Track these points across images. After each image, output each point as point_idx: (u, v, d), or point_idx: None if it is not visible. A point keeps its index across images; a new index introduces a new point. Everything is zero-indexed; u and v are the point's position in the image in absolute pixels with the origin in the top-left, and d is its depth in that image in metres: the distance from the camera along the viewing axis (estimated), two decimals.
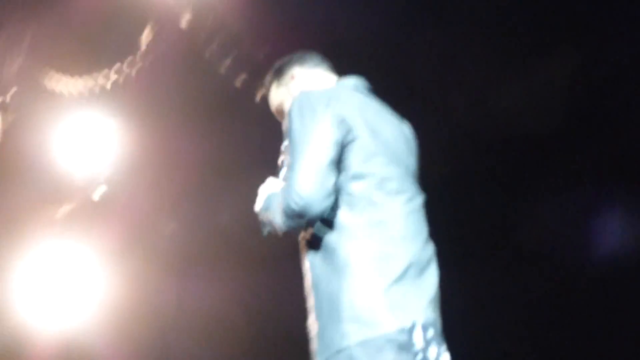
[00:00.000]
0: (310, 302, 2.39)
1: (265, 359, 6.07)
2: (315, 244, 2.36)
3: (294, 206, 2.27)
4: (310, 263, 2.39)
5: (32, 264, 6.02)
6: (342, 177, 2.35)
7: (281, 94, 2.79)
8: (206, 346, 6.05)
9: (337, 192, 2.34)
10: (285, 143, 2.51)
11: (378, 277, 2.24)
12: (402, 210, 2.38)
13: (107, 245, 6.03)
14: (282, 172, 2.57)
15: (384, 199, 2.36)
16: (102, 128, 5.78)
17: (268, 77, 2.85)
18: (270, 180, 2.59)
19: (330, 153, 2.32)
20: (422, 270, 2.34)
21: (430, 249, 2.44)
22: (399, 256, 2.29)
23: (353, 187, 2.35)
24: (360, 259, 2.26)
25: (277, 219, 2.37)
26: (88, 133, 5.78)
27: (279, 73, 2.81)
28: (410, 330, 2.20)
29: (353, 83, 2.67)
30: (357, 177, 2.35)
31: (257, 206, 2.57)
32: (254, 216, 2.60)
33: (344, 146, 2.36)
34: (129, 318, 6.01)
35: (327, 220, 2.32)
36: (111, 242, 6.03)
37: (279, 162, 2.62)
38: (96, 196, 5.95)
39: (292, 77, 2.77)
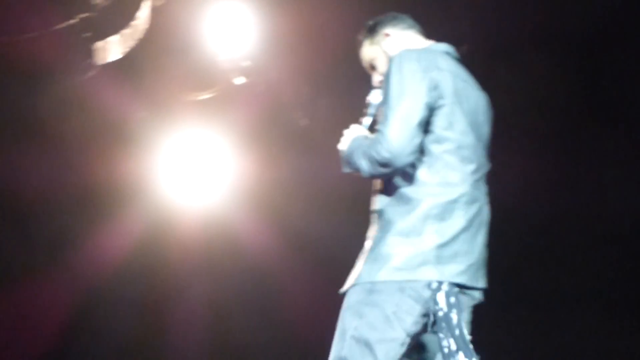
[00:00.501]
0: (372, 231, 2.69)
1: None
2: (391, 190, 2.65)
3: (383, 155, 2.53)
4: (382, 205, 2.67)
5: (176, 143, 6.33)
6: (426, 138, 2.61)
7: (374, 51, 2.97)
8: (331, 219, 6.28)
9: (420, 150, 2.60)
10: (372, 94, 2.83)
11: (433, 234, 2.55)
12: (470, 177, 2.66)
13: (245, 129, 6.28)
14: (366, 121, 2.83)
15: (458, 164, 2.63)
16: (249, 13, 5.90)
17: (361, 34, 3.06)
18: (354, 126, 2.83)
19: (421, 114, 2.56)
20: (473, 236, 2.64)
21: (484, 215, 2.74)
22: (457, 219, 2.59)
23: (434, 149, 2.62)
24: (428, 212, 2.57)
25: (362, 164, 2.61)
26: (235, 17, 5.91)
27: (372, 31, 2.99)
28: (436, 289, 2.51)
29: (446, 49, 2.85)
30: (438, 140, 2.62)
31: (342, 146, 2.79)
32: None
33: (433, 110, 2.61)
34: (261, 196, 6.32)
35: (407, 173, 2.61)
36: (249, 126, 6.28)
37: (364, 111, 2.86)
38: (238, 81, 6.13)
39: (386, 36, 2.95)
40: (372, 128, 2.82)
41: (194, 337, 6.26)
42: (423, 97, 2.58)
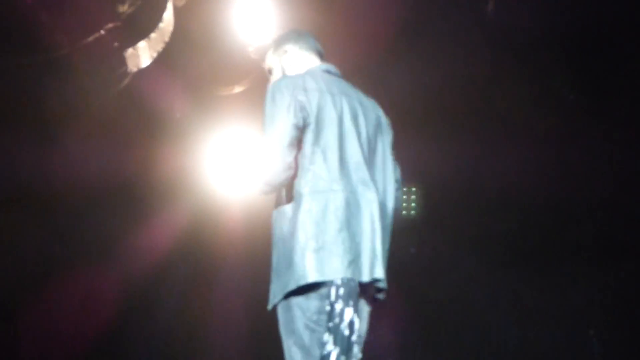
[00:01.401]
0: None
1: None
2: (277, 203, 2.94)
3: (262, 178, 2.86)
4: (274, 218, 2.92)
5: (217, 136, 6.47)
6: (299, 153, 2.87)
7: (273, 61, 3.24)
8: None
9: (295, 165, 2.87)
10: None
11: (312, 241, 2.76)
12: (342, 182, 2.84)
13: None
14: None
15: (325, 173, 2.84)
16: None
17: (269, 42, 3.35)
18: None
19: (290, 135, 2.83)
20: (352, 235, 2.79)
21: (371, 213, 2.87)
22: (330, 224, 2.78)
23: (304, 163, 2.87)
24: (306, 222, 2.78)
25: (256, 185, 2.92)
26: (258, 6, 5.93)
27: (276, 44, 3.26)
28: (329, 285, 2.75)
29: (325, 68, 3.13)
30: (307, 154, 2.87)
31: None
32: None
33: (304, 128, 2.87)
34: None
35: (290, 187, 2.88)
36: None
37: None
38: None
39: (285, 52, 3.20)
40: None
41: (237, 322, 6.50)
42: (291, 120, 2.85)
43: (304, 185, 2.83)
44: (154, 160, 6.51)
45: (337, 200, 2.81)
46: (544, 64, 6.28)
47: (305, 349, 2.77)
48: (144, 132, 6.55)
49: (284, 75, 3.10)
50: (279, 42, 3.27)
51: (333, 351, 2.69)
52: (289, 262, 2.77)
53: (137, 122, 6.52)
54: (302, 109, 2.86)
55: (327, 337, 2.71)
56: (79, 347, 6.28)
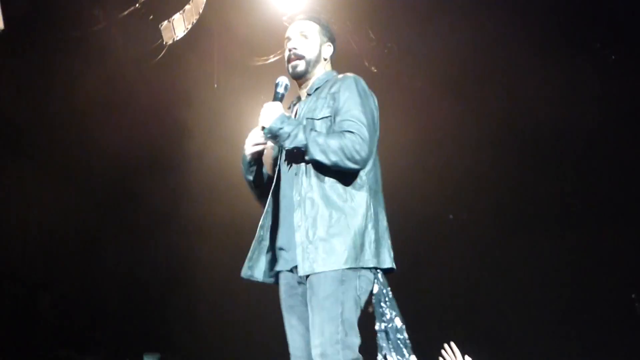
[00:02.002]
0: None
1: None
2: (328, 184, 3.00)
3: (362, 155, 2.91)
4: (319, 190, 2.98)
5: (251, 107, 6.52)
6: None
7: (316, 37, 3.21)
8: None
9: None
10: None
11: (373, 231, 2.97)
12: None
13: None
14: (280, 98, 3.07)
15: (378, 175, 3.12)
16: None
17: (317, 17, 3.28)
18: (272, 103, 3.03)
19: (375, 136, 3.05)
20: (385, 230, 3.03)
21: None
22: (383, 221, 3.04)
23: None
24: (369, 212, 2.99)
25: (333, 156, 2.91)
26: None
27: (330, 30, 3.27)
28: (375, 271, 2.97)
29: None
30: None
31: (267, 122, 2.98)
32: None
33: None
34: None
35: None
36: None
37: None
38: None
39: (331, 46, 3.24)
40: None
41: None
42: (376, 125, 3.12)
43: (366, 195, 2.98)
44: (193, 129, 6.62)
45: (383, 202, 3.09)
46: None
47: (350, 323, 2.86)
48: (182, 102, 6.66)
49: (354, 76, 3.15)
50: (329, 30, 3.27)
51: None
52: (353, 240, 2.90)
53: (175, 93, 6.62)
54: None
55: (392, 311, 2.96)
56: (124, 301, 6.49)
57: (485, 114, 6.50)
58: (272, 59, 6.37)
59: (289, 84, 3.11)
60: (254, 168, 3.17)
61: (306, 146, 2.91)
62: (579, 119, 6.24)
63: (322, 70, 3.19)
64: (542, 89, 6.39)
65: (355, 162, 2.90)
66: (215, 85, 6.49)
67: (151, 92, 6.50)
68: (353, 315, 2.87)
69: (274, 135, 2.97)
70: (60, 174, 6.23)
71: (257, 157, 3.13)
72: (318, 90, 3.12)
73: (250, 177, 3.18)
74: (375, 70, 6.37)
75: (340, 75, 3.13)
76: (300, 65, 3.14)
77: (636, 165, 6.37)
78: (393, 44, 6.36)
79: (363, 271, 2.91)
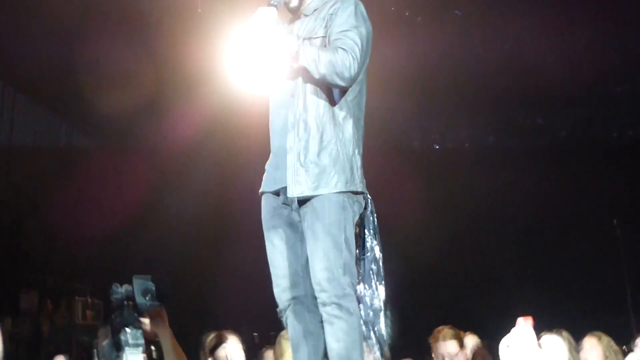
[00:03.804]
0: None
1: None
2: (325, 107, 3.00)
3: (351, 73, 2.90)
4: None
5: (239, 30, 6.42)
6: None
7: None
8: None
9: None
10: None
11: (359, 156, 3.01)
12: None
13: None
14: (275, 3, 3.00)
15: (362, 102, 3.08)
16: None
17: None
18: (266, 8, 2.98)
19: (365, 60, 3.00)
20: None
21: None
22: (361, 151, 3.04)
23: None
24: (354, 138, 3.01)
25: (323, 67, 2.89)
26: None
27: None
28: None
29: None
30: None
31: (259, 22, 2.94)
32: None
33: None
34: None
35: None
36: None
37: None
38: None
39: None
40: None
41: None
42: (366, 53, 3.03)
43: (351, 121, 3.00)
44: (177, 54, 6.55)
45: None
46: None
47: (350, 246, 2.94)
48: (166, 26, 6.56)
49: (359, 2, 3.10)
50: None
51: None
52: (343, 165, 2.93)
53: (158, 16, 6.53)
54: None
55: (374, 240, 3.03)
56: (103, 235, 6.53)
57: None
58: None
59: (291, 3, 3.09)
60: None
61: (297, 52, 2.90)
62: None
63: None
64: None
65: (343, 78, 2.91)
66: (199, 10, 6.38)
67: (133, 15, 6.42)
68: (352, 239, 2.95)
69: (264, 36, 2.95)
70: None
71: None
72: (316, 12, 3.09)
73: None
74: None
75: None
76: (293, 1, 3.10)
77: None
78: None
79: (357, 196, 2.97)
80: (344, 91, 2.99)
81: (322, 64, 2.90)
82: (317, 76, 2.92)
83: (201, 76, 6.53)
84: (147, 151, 6.62)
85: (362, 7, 3.07)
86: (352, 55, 2.91)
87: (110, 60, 6.41)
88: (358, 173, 2.97)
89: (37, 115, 6.99)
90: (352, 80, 2.94)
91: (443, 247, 7.10)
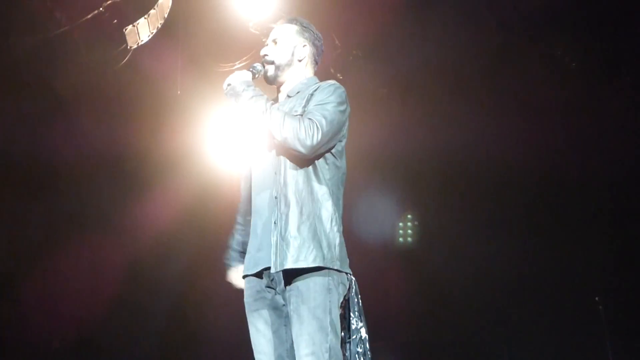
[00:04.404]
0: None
1: None
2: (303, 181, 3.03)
3: (312, 142, 2.94)
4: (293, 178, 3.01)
5: (218, 112, 6.51)
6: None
7: (291, 38, 3.28)
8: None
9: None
10: (268, 52, 3.26)
11: (339, 234, 3.02)
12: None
13: None
14: (254, 70, 3.17)
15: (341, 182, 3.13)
16: None
17: (296, 17, 3.36)
18: (242, 71, 3.16)
19: (330, 143, 3.04)
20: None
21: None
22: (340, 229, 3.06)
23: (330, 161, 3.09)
24: (336, 215, 3.04)
25: (285, 131, 2.95)
26: None
27: (305, 29, 3.31)
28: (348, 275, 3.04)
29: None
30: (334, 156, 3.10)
31: (234, 82, 3.07)
32: None
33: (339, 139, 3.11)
34: None
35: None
36: None
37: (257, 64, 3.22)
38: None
39: (307, 47, 3.28)
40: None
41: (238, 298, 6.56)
42: (342, 126, 3.13)
43: (330, 199, 3.02)
44: (156, 135, 6.58)
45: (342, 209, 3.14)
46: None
47: (335, 328, 2.92)
48: (146, 108, 6.62)
49: (337, 83, 3.19)
50: (308, 30, 3.32)
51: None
52: (319, 240, 2.92)
53: (138, 98, 6.58)
54: (345, 123, 3.14)
55: (359, 322, 3.01)
56: (80, 322, 6.38)
57: (450, 119, 6.58)
58: (237, 65, 6.35)
59: (267, 72, 3.22)
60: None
61: (263, 112, 2.94)
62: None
63: (300, 73, 3.27)
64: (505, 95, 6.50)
65: (304, 145, 2.95)
66: (179, 92, 6.45)
67: (114, 97, 6.47)
68: (337, 321, 2.93)
69: (235, 93, 3.03)
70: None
71: None
72: (299, 93, 3.18)
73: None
74: (341, 77, 6.39)
75: (324, 82, 3.20)
76: (270, 70, 3.23)
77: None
78: (358, 50, 6.40)
79: (341, 277, 2.96)
80: (321, 168, 3.01)
81: (285, 127, 2.94)
82: (279, 138, 2.96)
83: (181, 156, 6.56)
84: (126, 233, 6.54)
85: (342, 89, 3.14)
86: (317, 126, 2.96)
87: (90, 140, 6.40)
88: (336, 251, 2.96)
89: None
90: (314, 149, 2.97)
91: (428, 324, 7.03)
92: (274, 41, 3.28)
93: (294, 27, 3.30)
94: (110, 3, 5.67)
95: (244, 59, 6.34)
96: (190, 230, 6.73)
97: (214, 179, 6.63)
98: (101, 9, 5.64)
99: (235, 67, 6.41)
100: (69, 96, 6.30)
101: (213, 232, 6.66)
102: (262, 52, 3.29)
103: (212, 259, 6.70)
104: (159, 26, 5.93)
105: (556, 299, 6.68)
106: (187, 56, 6.39)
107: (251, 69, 3.18)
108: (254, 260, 3.05)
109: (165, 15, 5.88)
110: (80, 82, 6.20)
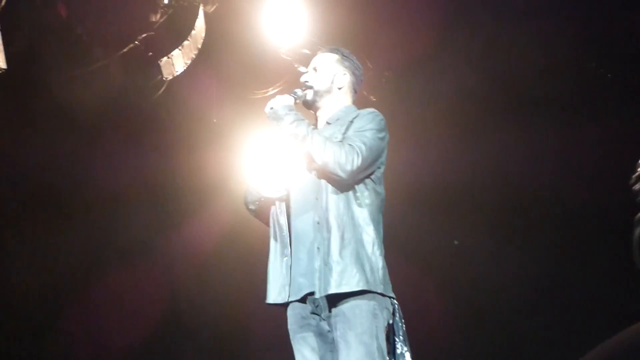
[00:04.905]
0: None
1: None
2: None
3: (351, 167, 2.99)
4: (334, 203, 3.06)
5: (254, 139, 6.54)
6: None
7: (332, 66, 3.37)
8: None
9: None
10: (308, 78, 3.34)
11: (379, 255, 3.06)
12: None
13: None
14: (296, 96, 3.24)
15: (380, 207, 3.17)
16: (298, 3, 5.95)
17: (338, 47, 3.50)
18: (284, 96, 3.24)
19: (370, 169, 3.12)
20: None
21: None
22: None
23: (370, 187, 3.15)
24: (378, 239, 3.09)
25: (326, 157, 3.00)
26: (286, 9, 5.96)
27: (348, 59, 3.44)
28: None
29: None
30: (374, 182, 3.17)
31: (277, 106, 3.15)
32: None
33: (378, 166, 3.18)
34: None
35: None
36: None
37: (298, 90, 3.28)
38: (302, 70, 6.21)
39: (347, 75, 3.37)
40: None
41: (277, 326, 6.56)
42: (381, 154, 3.21)
43: (371, 224, 3.06)
44: (194, 163, 6.66)
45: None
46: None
47: (382, 354, 2.94)
48: (183, 137, 6.71)
49: (376, 111, 3.26)
50: (349, 59, 3.42)
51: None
52: (362, 264, 2.95)
53: (175, 127, 6.69)
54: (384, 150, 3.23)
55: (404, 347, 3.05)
56: (124, 349, 6.44)
57: (484, 141, 6.53)
58: (271, 92, 6.42)
59: (306, 96, 3.31)
60: (259, 204, 3.25)
61: (304, 137, 2.98)
62: None
63: (339, 101, 3.36)
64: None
65: (344, 170, 2.99)
66: (215, 120, 6.54)
67: (151, 126, 6.57)
68: (384, 346, 2.96)
69: (277, 117, 3.11)
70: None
71: (270, 202, 3.26)
72: (339, 120, 3.26)
73: (252, 207, 3.27)
74: (375, 99, 6.41)
75: (363, 110, 3.29)
76: (308, 94, 3.32)
77: None
78: (390, 72, 6.43)
79: (385, 301, 2.99)
80: (361, 193, 3.03)
81: (326, 152, 3.00)
82: (319, 162, 3.02)
83: (219, 185, 6.62)
84: (165, 261, 6.62)
85: (381, 117, 3.23)
86: (357, 151, 3.02)
87: (128, 169, 6.51)
88: (379, 274, 2.98)
89: None
90: (353, 174, 3.02)
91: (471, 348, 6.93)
92: (315, 69, 3.38)
93: (335, 56, 3.40)
94: (145, 36, 5.80)
95: (277, 84, 6.41)
96: (229, 256, 6.78)
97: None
98: (136, 42, 5.77)
99: (269, 93, 6.49)
100: (106, 127, 6.43)
101: (252, 258, 6.70)
102: (302, 79, 3.38)
103: (251, 284, 6.77)
104: (193, 56, 6.05)
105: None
106: (222, 84, 6.48)
107: (292, 94, 3.26)
108: (298, 285, 3.09)
109: (199, 46, 6.00)
110: (118, 113, 6.32)
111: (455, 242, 7.02)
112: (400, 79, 6.44)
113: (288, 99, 3.18)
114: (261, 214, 3.36)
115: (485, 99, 6.42)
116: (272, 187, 3.25)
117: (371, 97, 6.46)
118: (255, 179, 3.37)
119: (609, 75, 6.16)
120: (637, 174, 2.72)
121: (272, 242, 3.22)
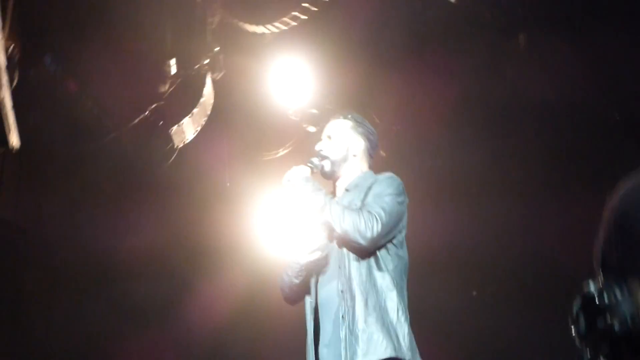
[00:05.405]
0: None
1: None
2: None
3: (372, 234, 3.00)
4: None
5: (267, 199, 6.57)
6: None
7: (346, 134, 3.40)
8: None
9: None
10: (323, 147, 3.35)
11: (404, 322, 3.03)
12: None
13: None
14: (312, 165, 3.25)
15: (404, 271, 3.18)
16: (304, 64, 6.04)
17: (351, 113, 3.51)
18: (300, 166, 3.25)
19: (392, 233, 3.11)
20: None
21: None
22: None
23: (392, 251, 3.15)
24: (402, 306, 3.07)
25: (345, 225, 3.02)
26: (293, 71, 6.05)
27: (362, 125, 3.45)
28: None
29: None
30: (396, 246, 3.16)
31: (294, 179, 3.17)
32: None
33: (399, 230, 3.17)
34: None
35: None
36: None
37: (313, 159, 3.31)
38: (311, 130, 6.28)
39: (361, 142, 3.40)
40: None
41: None
42: (401, 220, 3.20)
43: (395, 290, 3.05)
44: (208, 227, 6.68)
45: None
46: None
47: None
48: (196, 201, 6.75)
49: (394, 175, 3.28)
50: (362, 125, 3.45)
51: None
52: (388, 330, 2.95)
53: (189, 193, 6.72)
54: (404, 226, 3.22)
55: None
56: None
57: (494, 190, 6.52)
58: (281, 153, 6.47)
59: (324, 168, 3.32)
60: (304, 273, 3.21)
61: (323, 207, 2.97)
62: None
63: (355, 167, 3.37)
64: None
65: (364, 237, 3.00)
66: (228, 184, 6.58)
67: (165, 193, 6.62)
68: None
69: (295, 189, 3.17)
70: None
71: (312, 265, 3.20)
72: (357, 187, 3.28)
73: (297, 281, 3.24)
74: (384, 154, 6.43)
75: (381, 175, 3.31)
76: (326, 166, 3.34)
77: None
78: (399, 125, 6.46)
79: None
80: (383, 259, 3.02)
81: (345, 221, 3.01)
82: (339, 231, 3.03)
83: (234, 246, 6.62)
84: (181, 327, 6.59)
85: (399, 181, 3.24)
86: (376, 218, 3.02)
87: (142, 236, 6.54)
88: (406, 341, 2.93)
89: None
90: (374, 241, 3.01)
91: None
92: (329, 137, 3.40)
93: (348, 123, 3.42)
94: (155, 106, 5.89)
95: (286, 145, 6.46)
96: (245, 320, 6.73)
97: (265, 269, 6.65)
98: (147, 112, 5.86)
99: (279, 154, 6.54)
100: (120, 196, 6.48)
101: (267, 322, 6.67)
102: (317, 147, 3.40)
103: (267, 347, 6.73)
104: (203, 123, 6.12)
105: None
106: (233, 148, 6.54)
107: (309, 164, 3.26)
108: (322, 356, 3.04)
109: (208, 112, 6.07)
110: (131, 182, 6.38)
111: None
112: (408, 131, 6.46)
113: (304, 170, 3.21)
114: (304, 286, 3.28)
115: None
116: (306, 251, 3.21)
117: (381, 152, 6.48)
118: (289, 253, 3.33)
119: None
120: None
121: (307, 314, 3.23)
